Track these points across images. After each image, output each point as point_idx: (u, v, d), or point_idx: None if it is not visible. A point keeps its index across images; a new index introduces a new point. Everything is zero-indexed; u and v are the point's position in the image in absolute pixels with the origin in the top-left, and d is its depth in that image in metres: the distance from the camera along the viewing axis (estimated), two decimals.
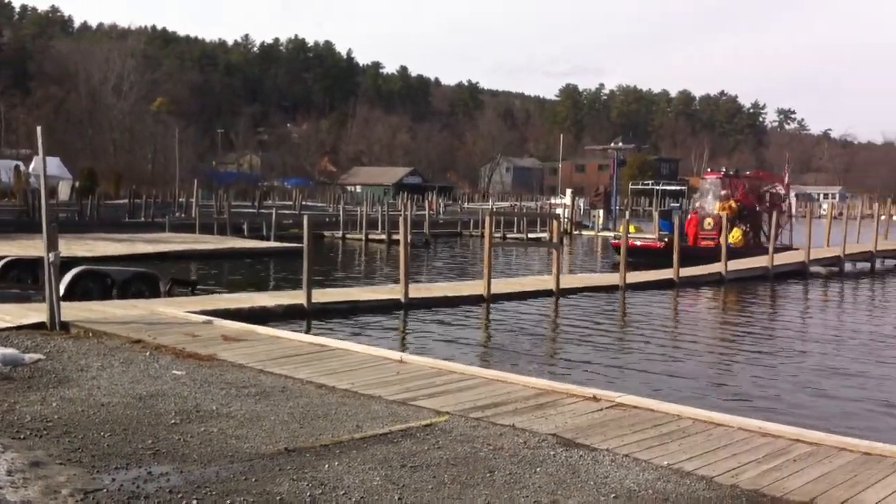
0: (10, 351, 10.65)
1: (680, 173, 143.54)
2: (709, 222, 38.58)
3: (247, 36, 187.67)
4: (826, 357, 15.75)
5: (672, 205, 60.51)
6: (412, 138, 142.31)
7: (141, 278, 18.88)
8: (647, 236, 39.71)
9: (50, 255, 12.78)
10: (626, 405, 9.16)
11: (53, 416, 8.02)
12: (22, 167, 61.60)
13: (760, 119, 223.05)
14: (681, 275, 26.29)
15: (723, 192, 40.15)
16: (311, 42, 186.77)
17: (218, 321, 14.53)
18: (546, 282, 23.54)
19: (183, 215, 55.94)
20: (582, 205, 69.17)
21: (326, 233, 49.85)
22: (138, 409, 8.37)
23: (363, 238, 47.49)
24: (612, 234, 49.42)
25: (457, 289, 22.59)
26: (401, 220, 21.07)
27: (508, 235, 51.41)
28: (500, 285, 22.61)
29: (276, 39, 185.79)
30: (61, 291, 14.34)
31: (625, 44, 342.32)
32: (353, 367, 10.89)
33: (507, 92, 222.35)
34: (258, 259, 34.82)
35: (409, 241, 20.93)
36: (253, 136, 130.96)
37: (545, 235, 48.29)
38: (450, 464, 6.91)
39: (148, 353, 11.29)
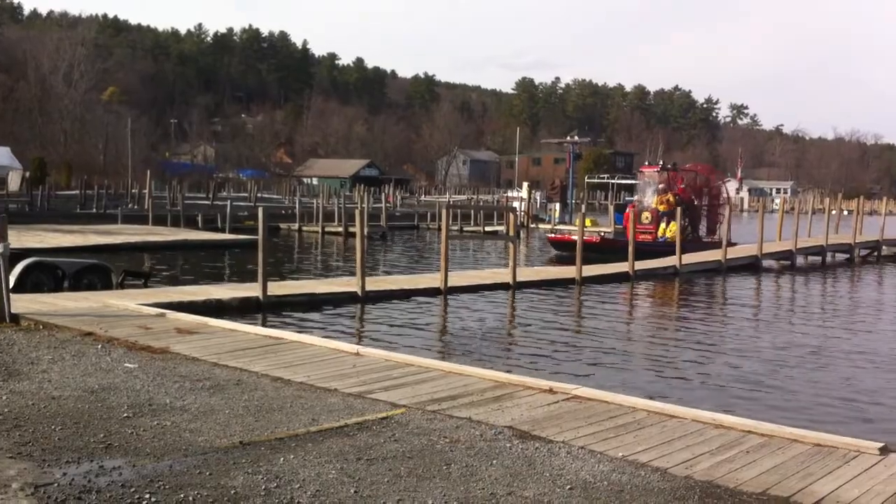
0: None
1: (635, 167, 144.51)
2: (646, 216, 38.35)
3: (200, 25, 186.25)
4: (778, 350, 15.96)
5: (627, 198, 60.87)
6: (368, 130, 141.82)
7: (93, 270, 18.63)
8: (593, 230, 39.99)
9: None
10: (581, 397, 9.20)
11: (3, 409, 7.88)
12: None
13: (714, 114, 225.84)
14: (636, 268, 26.50)
15: (660, 186, 39.90)
16: (265, 32, 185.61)
17: (171, 314, 14.38)
18: (503, 275, 23.59)
19: (136, 206, 55.27)
20: (538, 198, 69.38)
21: (282, 225, 49.53)
22: (90, 403, 8.25)
23: (320, 230, 47.24)
24: (566, 227, 49.54)
25: (414, 281, 22.57)
26: (357, 212, 20.99)
27: (465, 228, 51.44)
28: (457, 278, 22.61)
29: (230, 29, 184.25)
30: (11, 283, 14.09)
31: (581, 38, 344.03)
32: (309, 360, 10.83)
33: (463, 85, 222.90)
34: (213, 251, 34.48)
35: (365, 233, 20.85)
36: (207, 126, 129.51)
37: (502, 229, 48.41)
38: (406, 457, 6.90)
39: (100, 346, 11.14)
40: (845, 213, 55.89)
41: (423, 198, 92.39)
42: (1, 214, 12.97)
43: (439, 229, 26.83)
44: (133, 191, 63.91)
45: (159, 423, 7.65)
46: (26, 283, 16.99)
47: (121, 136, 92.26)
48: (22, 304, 14.02)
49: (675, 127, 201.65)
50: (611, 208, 46.68)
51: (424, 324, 17.78)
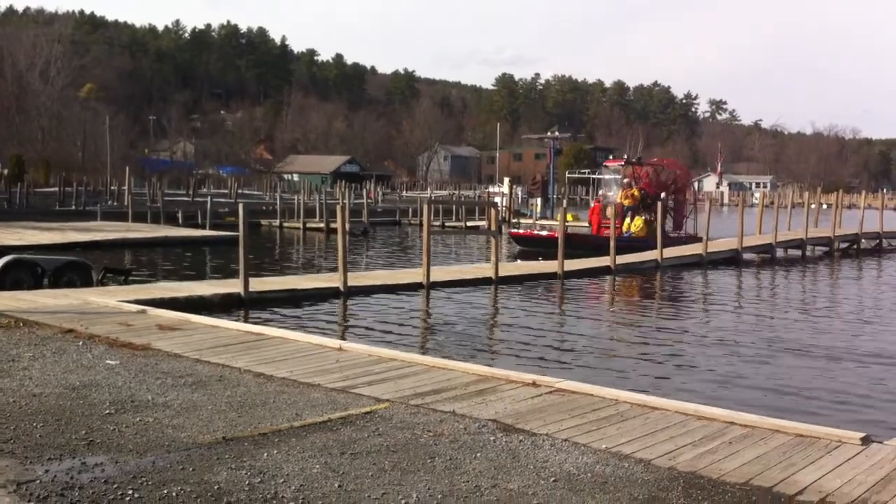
0: None
1: None
2: (611, 211, 38.08)
3: (177, 21, 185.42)
4: (759, 342, 16.04)
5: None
6: (348, 126, 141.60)
7: (73, 267, 18.50)
8: (557, 223, 39.62)
9: None
10: (565, 390, 9.22)
11: None
12: None
13: (693, 109, 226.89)
14: (617, 262, 26.61)
15: (625, 181, 39.34)
16: (244, 28, 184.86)
17: (153, 310, 14.30)
18: (485, 269, 23.61)
19: (115, 203, 54.99)
20: (520, 193, 69.48)
21: (263, 221, 49.41)
22: (71, 400, 8.19)
23: (301, 226, 47.16)
24: (547, 222, 49.51)
25: (396, 277, 22.55)
26: (338, 208, 20.97)
27: (447, 224, 51.50)
28: (439, 273, 22.62)
29: (208, 25, 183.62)
30: None
31: (561, 34, 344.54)
32: (292, 355, 10.80)
33: (443, 81, 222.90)
34: (193, 248, 34.34)
35: (347, 229, 20.82)
36: (186, 123, 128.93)
37: (483, 224, 48.45)
38: (390, 450, 6.89)
39: (81, 343, 11.06)
40: (824, 206, 56.20)
41: (404, 193, 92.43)
42: None
43: (421, 225, 26.84)
44: (112, 188, 63.56)
45: (142, 419, 7.61)
46: (6, 281, 16.87)
47: (99, 133, 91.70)
48: (1, 301, 13.93)
49: (654, 122, 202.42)
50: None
51: (407, 319, 17.77)
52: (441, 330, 16.59)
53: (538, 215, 57.84)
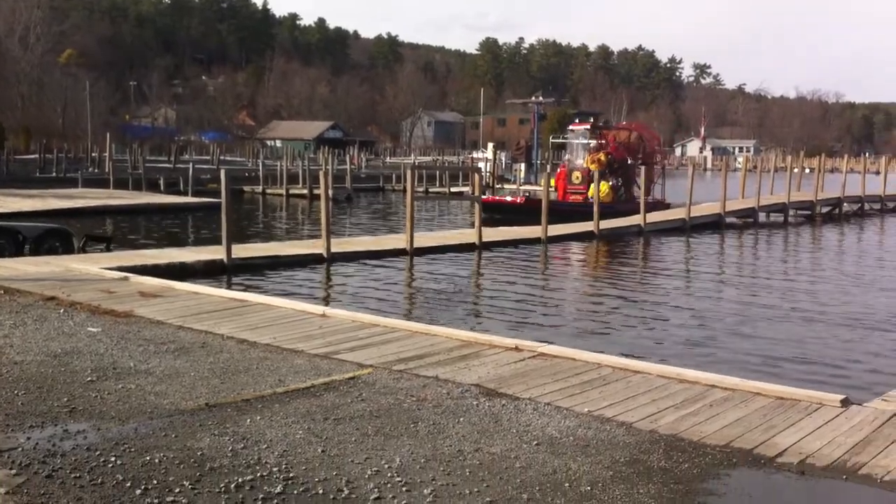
0: None
1: None
2: (577, 176, 36.68)
3: None
4: (742, 306, 16.13)
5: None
6: (332, 92, 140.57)
7: (54, 234, 18.40)
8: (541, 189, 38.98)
9: None
10: (547, 355, 9.25)
11: None
12: None
13: (677, 74, 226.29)
14: (601, 227, 26.65)
15: (592, 144, 38.07)
16: None
17: (135, 277, 14.24)
18: (468, 235, 23.61)
19: (96, 170, 54.58)
20: (504, 159, 69.32)
21: (246, 188, 49.19)
22: (53, 367, 8.17)
23: (284, 193, 46.97)
24: (528, 187, 49.34)
25: (379, 243, 22.53)
26: (321, 174, 20.86)
27: (431, 189, 51.39)
28: (423, 239, 22.60)
29: None
30: None
31: None
32: (275, 321, 10.79)
33: (427, 46, 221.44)
34: (176, 214, 34.17)
35: (330, 195, 20.74)
36: (167, 89, 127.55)
37: (467, 189, 48.37)
38: (373, 416, 6.91)
39: (62, 311, 11.01)
40: (807, 171, 56.42)
41: (387, 159, 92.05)
42: None
43: (404, 191, 26.79)
44: (93, 154, 62.99)
45: (124, 386, 7.59)
46: None
47: (79, 100, 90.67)
48: None
49: (638, 86, 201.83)
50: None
51: (391, 285, 17.76)
52: (424, 296, 16.60)
53: (522, 181, 57.80)
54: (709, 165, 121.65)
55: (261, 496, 5.24)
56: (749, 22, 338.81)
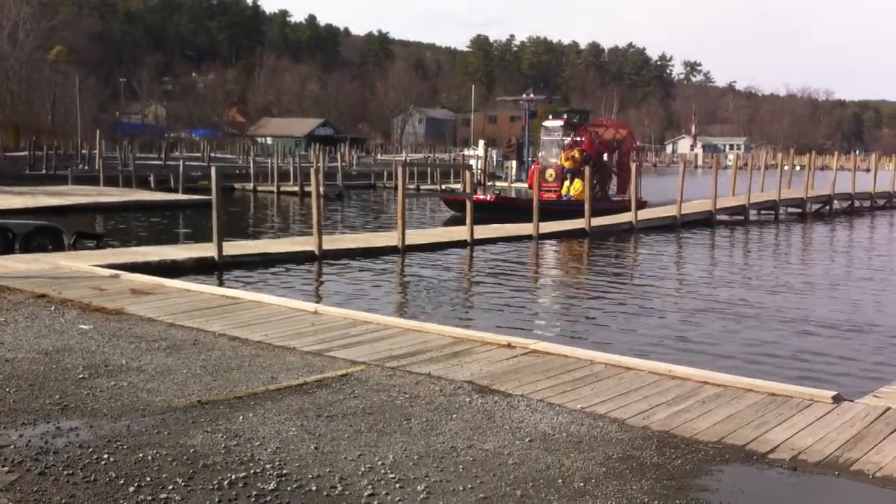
0: None
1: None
2: (550, 174, 35.89)
3: None
4: (733, 304, 16.16)
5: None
6: (322, 89, 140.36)
7: (44, 232, 18.33)
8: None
9: None
10: (540, 351, 9.26)
11: None
12: None
13: (668, 71, 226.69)
14: (592, 224, 26.69)
15: (566, 141, 37.14)
16: None
17: (126, 275, 14.20)
18: (460, 232, 23.60)
19: (86, 167, 54.33)
20: (495, 156, 69.31)
21: (237, 185, 49.03)
22: (44, 365, 8.14)
23: (275, 190, 46.87)
24: (519, 185, 49.17)
25: (371, 240, 22.51)
26: (313, 171, 20.86)
27: (422, 187, 51.38)
28: (415, 236, 22.60)
29: None
30: None
31: None
32: (267, 319, 10.77)
33: (418, 43, 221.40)
34: (166, 212, 34.08)
35: (321, 192, 20.71)
36: (157, 86, 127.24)
37: (459, 187, 48.35)
38: (366, 413, 6.91)
39: (53, 308, 10.98)
40: (797, 168, 56.56)
41: (379, 157, 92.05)
42: None
43: (396, 188, 26.75)
44: (83, 151, 62.73)
45: (116, 383, 7.57)
46: None
47: (69, 97, 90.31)
48: None
49: (629, 84, 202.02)
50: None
51: (382, 282, 17.77)
52: (416, 293, 16.60)
53: (513, 178, 57.83)
54: (699, 163, 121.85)
55: (254, 493, 5.24)
56: (739, 20, 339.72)
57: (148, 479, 5.40)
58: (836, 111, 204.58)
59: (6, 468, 5.49)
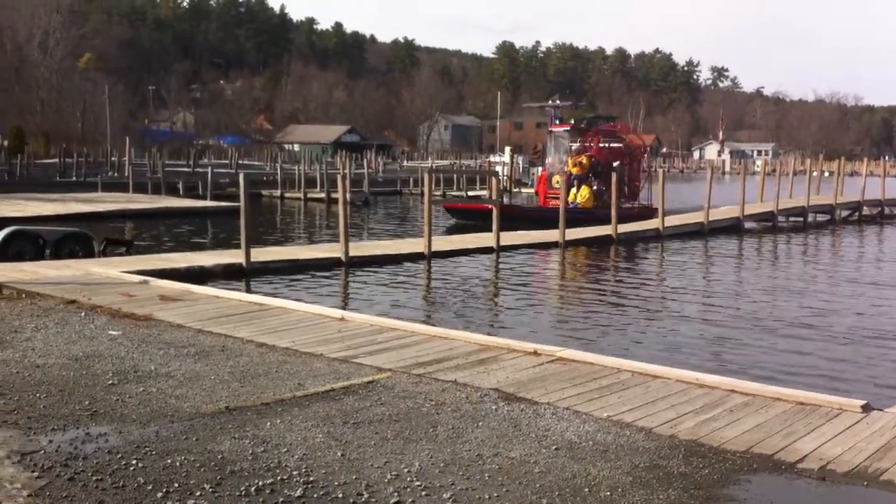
0: None
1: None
2: (557, 180, 33.77)
3: None
4: (761, 311, 16.04)
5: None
6: (349, 96, 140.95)
7: (74, 238, 18.51)
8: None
9: None
10: (566, 359, 9.24)
11: None
12: None
13: (694, 77, 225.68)
14: (619, 231, 26.61)
15: (573, 147, 36.06)
16: None
17: (154, 281, 14.32)
18: (486, 239, 23.58)
19: (115, 174, 54.82)
20: (521, 162, 69.26)
21: (264, 192, 49.28)
22: (74, 370, 8.22)
23: (302, 197, 47.08)
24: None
25: (397, 246, 22.56)
26: (339, 178, 20.92)
27: (448, 193, 51.37)
28: (441, 242, 22.63)
29: None
30: None
31: (562, 1, 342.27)
32: (294, 325, 10.82)
33: (443, 49, 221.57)
34: (194, 218, 34.31)
35: (348, 199, 20.79)
36: (186, 93, 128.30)
37: (485, 193, 48.32)
38: (392, 420, 6.92)
39: (83, 314, 11.08)
40: (826, 174, 56.05)
41: (405, 163, 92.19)
42: None
43: (422, 194, 26.81)
44: (112, 159, 63.37)
45: (145, 389, 7.64)
46: (7, 253, 16.89)
47: (98, 104, 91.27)
48: (3, 273, 13.94)
49: (655, 90, 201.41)
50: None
51: (409, 288, 17.80)
52: (442, 299, 16.61)
53: None
54: (727, 169, 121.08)
55: (281, 500, 5.27)
56: (767, 25, 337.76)
57: (176, 484, 5.44)
58: (865, 116, 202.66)
59: (36, 473, 5.55)
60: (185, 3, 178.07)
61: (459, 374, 8.46)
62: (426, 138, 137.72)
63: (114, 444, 6.17)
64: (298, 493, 5.37)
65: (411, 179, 58.51)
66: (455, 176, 56.51)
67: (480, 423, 6.88)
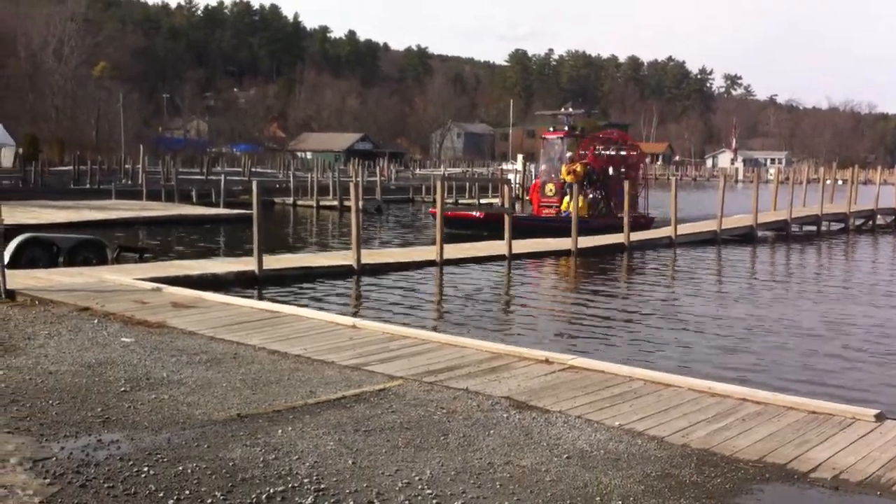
0: None
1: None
2: (550, 189, 34.07)
3: None
4: (774, 320, 15.98)
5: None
6: (362, 104, 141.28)
7: (88, 245, 18.59)
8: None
9: None
10: (577, 367, 9.23)
11: (0, 384, 7.88)
12: None
13: (708, 85, 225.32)
14: (632, 239, 26.56)
15: (568, 154, 35.05)
16: (256, 5, 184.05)
17: (167, 288, 14.35)
18: (498, 246, 23.57)
19: (129, 182, 55.03)
20: (533, 170, 69.11)
21: (277, 199, 49.39)
22: (87, 377, 8.25)
23: (315, 205, 47.16)
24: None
25: (409, 254, 22.57)
26: (352, 185, 20.93)
27: (460, 201, 51.36)
28: (453, 250, 22.61)
29: (221, 2, 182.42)
30: (6, 259, 14.06)
31: (575, 8, 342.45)
32: (306, 332, 10.83)
33: (456, 57, 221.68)
34: (207, 226, 34.42)
35: (360, 207, 20.81)
36: (199, 101, 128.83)
37: (497, 201, 48.29)
38: (404, 427, 6.92)
39: (96, 321, 11.13)
40: (840, 182, 55.89)
41: (417, 171, 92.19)
42: None
43: (434, 202, 26.82)
44: (126, 166, 63.62)
45: (157, 396, 7.66)
46: (21, 260, 16.94)
47: (112, 112, 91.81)
48: (17, 280, 14.00)
49: (668, 98, 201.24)
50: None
51: (420, 296, 17.79)
52: (454, 307, 16.59)
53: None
54: (740, 177, 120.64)
55: None
56: (780, 33, 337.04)
57: (187, 492, 5.45)
58: (880, 124, 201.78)
59: (48, 480, 5.57)
60: (199, 12, 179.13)
61: (471, 382, 8.46)
62: (439, 146, 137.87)
63: (125, 451, 6.18)
64: (309, 500, 5.38)
65: (424, 187, 58.50)
66: (467, 184, 56.53)
67: (492, 432, 6.87)
